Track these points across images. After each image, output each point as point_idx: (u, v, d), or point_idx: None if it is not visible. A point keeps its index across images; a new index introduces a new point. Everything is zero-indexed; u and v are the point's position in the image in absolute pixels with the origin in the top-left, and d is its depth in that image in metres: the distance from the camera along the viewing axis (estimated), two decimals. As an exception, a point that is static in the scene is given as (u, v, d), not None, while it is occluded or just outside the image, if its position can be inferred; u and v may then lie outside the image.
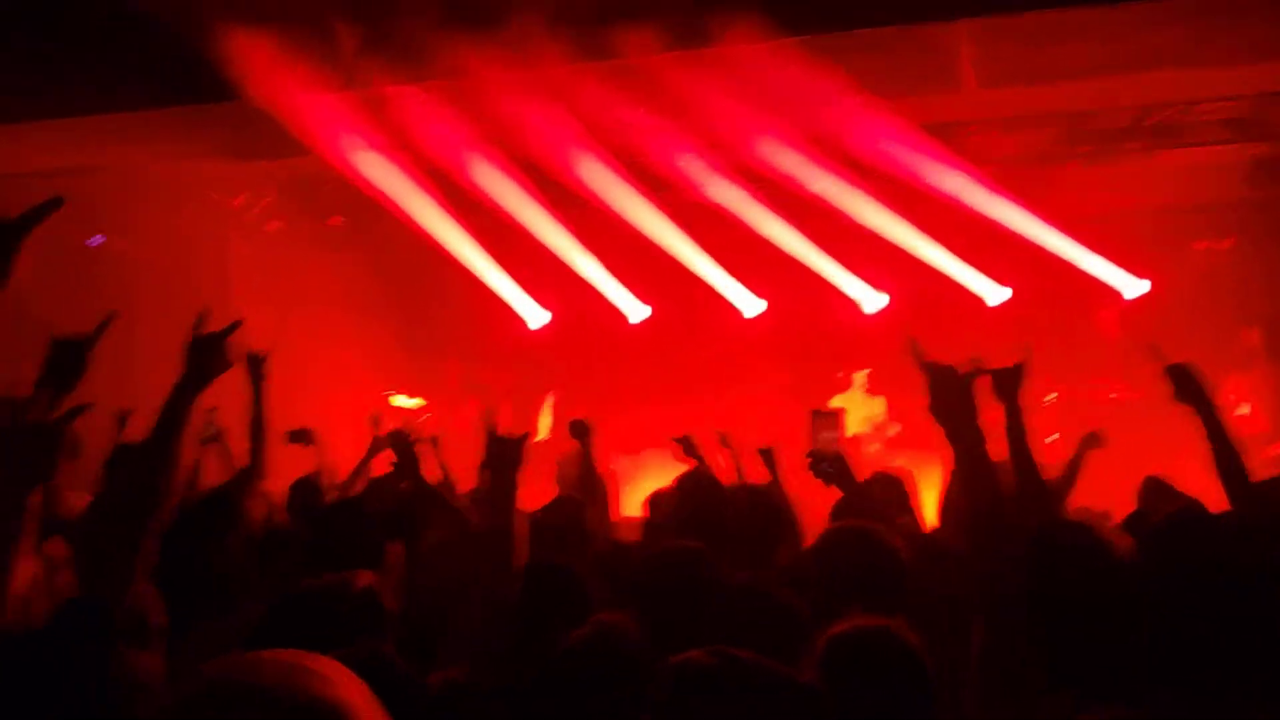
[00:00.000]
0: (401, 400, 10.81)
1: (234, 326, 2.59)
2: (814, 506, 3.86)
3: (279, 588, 3.00)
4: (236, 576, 3.29)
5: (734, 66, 6.50)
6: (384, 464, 4.73)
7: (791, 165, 8.86)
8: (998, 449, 2.97)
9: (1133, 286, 10.18)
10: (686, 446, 4.70)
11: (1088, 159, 8.93)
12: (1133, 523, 3.73)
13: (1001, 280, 10.46)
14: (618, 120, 7.64)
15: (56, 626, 2.04)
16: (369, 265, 11.25)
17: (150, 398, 2.51)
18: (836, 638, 2.05)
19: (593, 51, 6.43)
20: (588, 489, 4.19)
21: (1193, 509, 2.80)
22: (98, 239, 9.39)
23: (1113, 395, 10.05)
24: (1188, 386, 3.19)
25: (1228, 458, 3.07)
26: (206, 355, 2.47)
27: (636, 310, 11.33)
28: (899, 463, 9.59)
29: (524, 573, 2.98)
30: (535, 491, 5.03)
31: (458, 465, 4.42)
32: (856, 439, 10.67)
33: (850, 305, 10.94)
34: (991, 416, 3.34)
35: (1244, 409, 9.82)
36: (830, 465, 3.52)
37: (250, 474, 4.17)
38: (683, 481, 3.59)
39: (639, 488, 8.07)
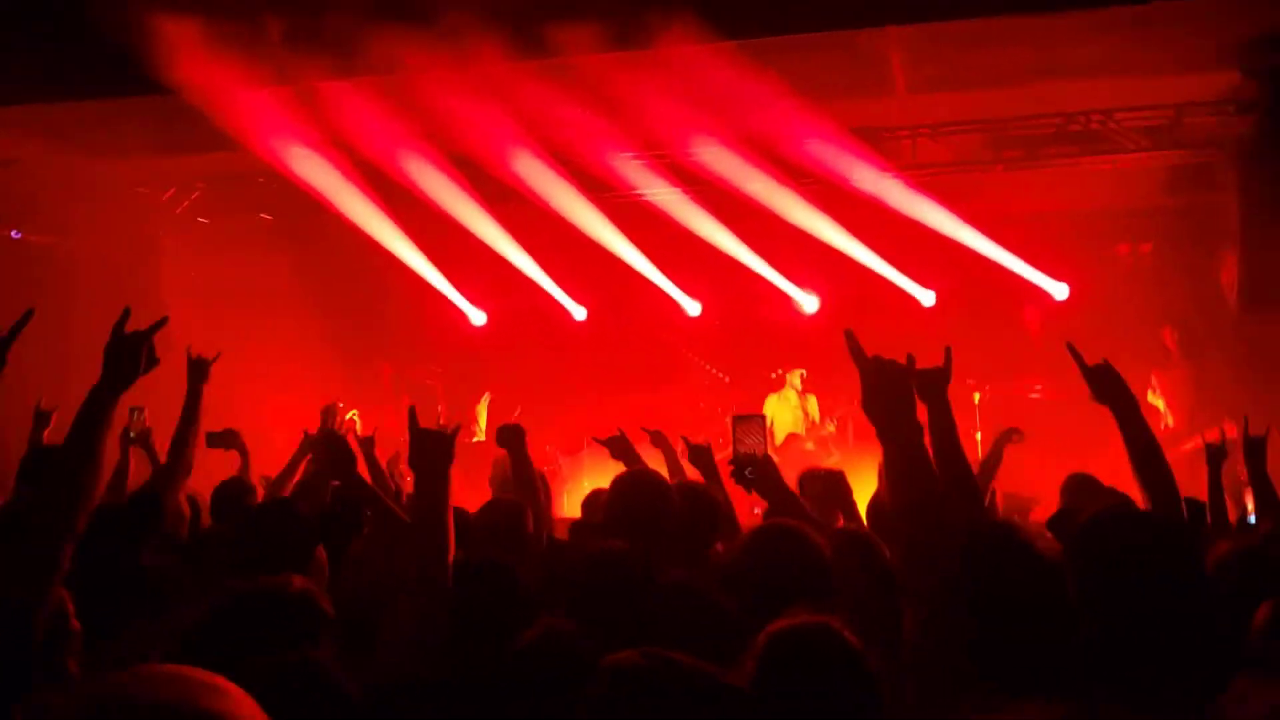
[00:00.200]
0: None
1: (159, 325, 2.53)
2: (755, 504, 3.87)
3: (206, 590, 2.96)
4: (163, 579, 3.24)
5: (669, 68, 6.54)
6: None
7: (726, 167, 8.94)
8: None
9: (1057, 288, 10.43)
10: (614, 446, 4.68)
11: (1013, 164, 9.13)
12: (1058, 521, 3.81)
13: (931, 283, 10.64)
14: (554, 119, 7.65)
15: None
16: (301, 261, 11.10)
17: (80, 395, 2.46)
18: (776, 634, 2.05)
19: (528, 50, 6.42)
20: (523, 492, 4.15)
21: (1119, 506, 2.84)
22: (14, 234, 9.15)
23: (1035, 392, 10.29)
24: (1105, 387, 3.23)
25: (1146, 456, 3.12)
26: (129, 355, 2.41)
27: (575, 310, 11.32)
28: (832, 460, 9.80)
29: (459, 571, 2.96)
30: (481, 492, 5.02)
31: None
32: (792, 437, 10.79)
33: (786, 306, 11.05)
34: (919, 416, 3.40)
35: (1158, 401, 10.13)
36: (753, 471, 3.51)
37: (172, 472, 4.10)
38: (617, 481, 3.58)
39: (581, 487, 8.09)
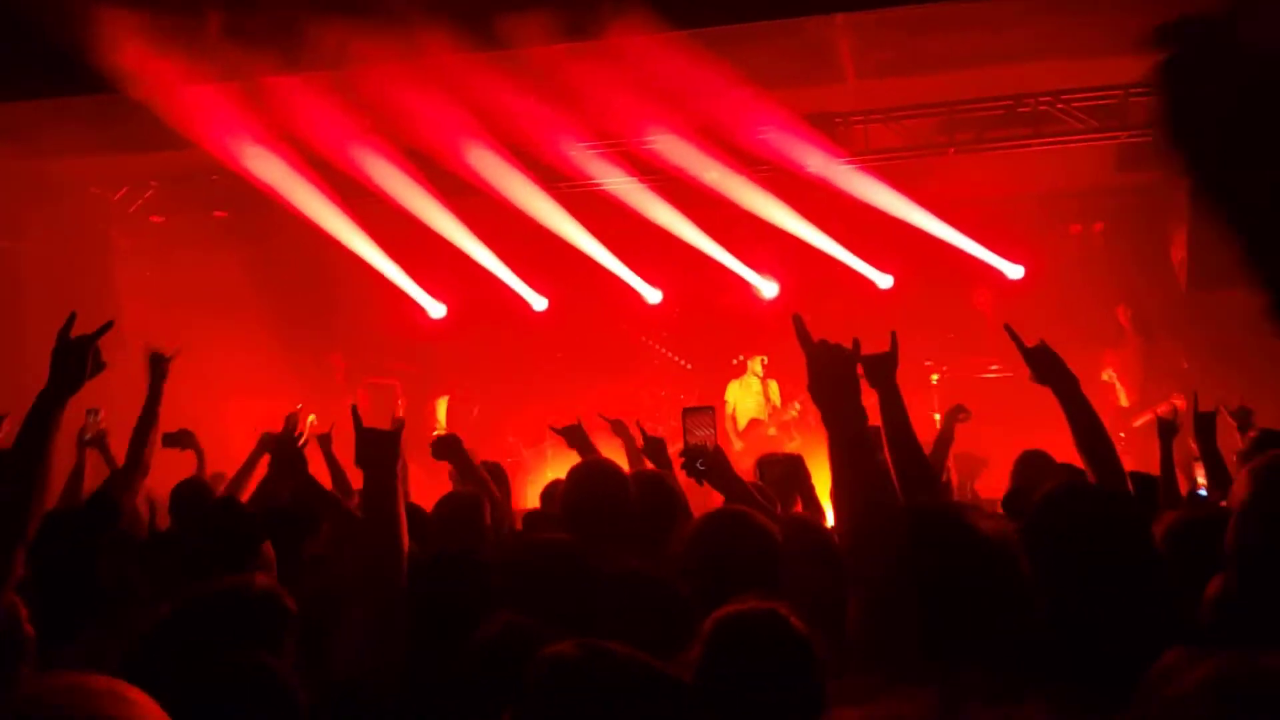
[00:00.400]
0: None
1: (104, 329, 2.52)
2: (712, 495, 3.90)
3: (161, 592, 2.96)
4: (120, 581, 3.22)
5: (621, 59, 6.55)
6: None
7: (682, 156, 8.97)
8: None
9: (1013, 269, 10.56)
10: (570, 436, 4.70)
11: (965, 147, 9.22)
12: (1011, 500, 3.85)
13: (888, 266, 10.74)
14: (508, 110, 7.63)
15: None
16: (256, 258, 11.00)
17: (33, 394, 2.45)
18: (722, 620, 2.07)
19: (478, 41, 6.39)
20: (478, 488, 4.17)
21: (1071, 481, 2.85)
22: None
23: (991, 371, 10.43)
24: (1044, 368, 3.26)
25: (1089, 434, 3.17)
26: (75, 360, 2.41)
27: (536, 300, 11.31)
28: (794, 445, 9.88)
29: (425, 563, 2.97)
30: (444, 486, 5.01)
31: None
32: (754, 423, 10.87)
33: (746, 292, 11.11)
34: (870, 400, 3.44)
35: (1113, 378, 10.30)
36: (704, 462, 3.53)
37: (131, 473, 4.09)
38: (574, 471, 3.60)
39: (544, 477, 8.11)
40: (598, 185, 9.67)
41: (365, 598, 2.80)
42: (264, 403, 9.06)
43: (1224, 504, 3.37)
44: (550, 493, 4.58)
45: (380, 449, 2.81)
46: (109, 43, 6.08)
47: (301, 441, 4.12)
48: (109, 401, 4.45)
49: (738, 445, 10.67)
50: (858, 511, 2.29)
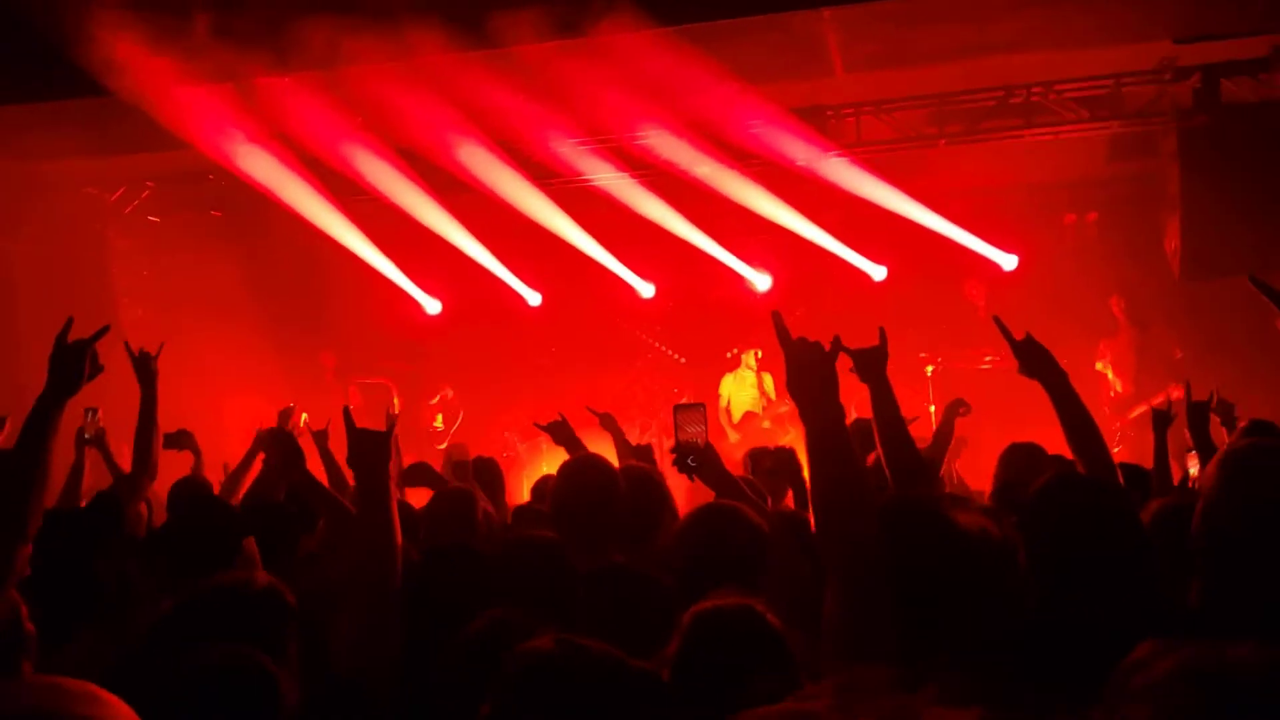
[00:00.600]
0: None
1: (101, 333, 2.57)
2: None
3: (161, 589, 3.01)
4: (120, 579, 3.27)
5: (610, 56, 6.58)
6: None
7: (672, 151, 9.00)
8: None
9: (1006, 259, 10.58)
10: (556, 431, 4.76)
11: (956, 138, 9.24)
12: (1004, 493, 3.88)
13: (881, 258, 10.75)
14: (498, 108, 7.66)
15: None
16: (253, 257, 11.02)
17: (33, 398, 2.50)
18: (698, 615, 2.10)
19: (470, 40, 6.43)
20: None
21: (1064, 474, 2.87)
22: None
23: (986, 362, 10.47)
24: (1032, 361, 3.30)
25: (1077, 426, 3.21)
26: (73, 363, 2.46)
27: (530, 295, 11.35)
28: (789, 438, 9.92)
29: (417, 561, 3.01)
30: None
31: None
32: (749, 416, 10.92)
33: (739, 285, 11.13)
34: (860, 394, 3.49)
35: (1107, 369, 10.35)
36: (695, 459, 3.58)
37: (139, 475, 4.13)
38: (564, 467, 3.64)
39: (539, 472, 8.15)
40: (589, 181, 9.70)
41: (360, 595, 2.84)
42: (257, 401, 9.13)
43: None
44: (541, 488, 4.63)
45: (372, 450, 2.84)
46: (102, 45, 6.11)
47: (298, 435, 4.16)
48: (106, 400, 4.49)
49: (733, 437, 10.72)
50: (833, 506, 2.32)
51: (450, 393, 11.70)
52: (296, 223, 9.57)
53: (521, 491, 8.48)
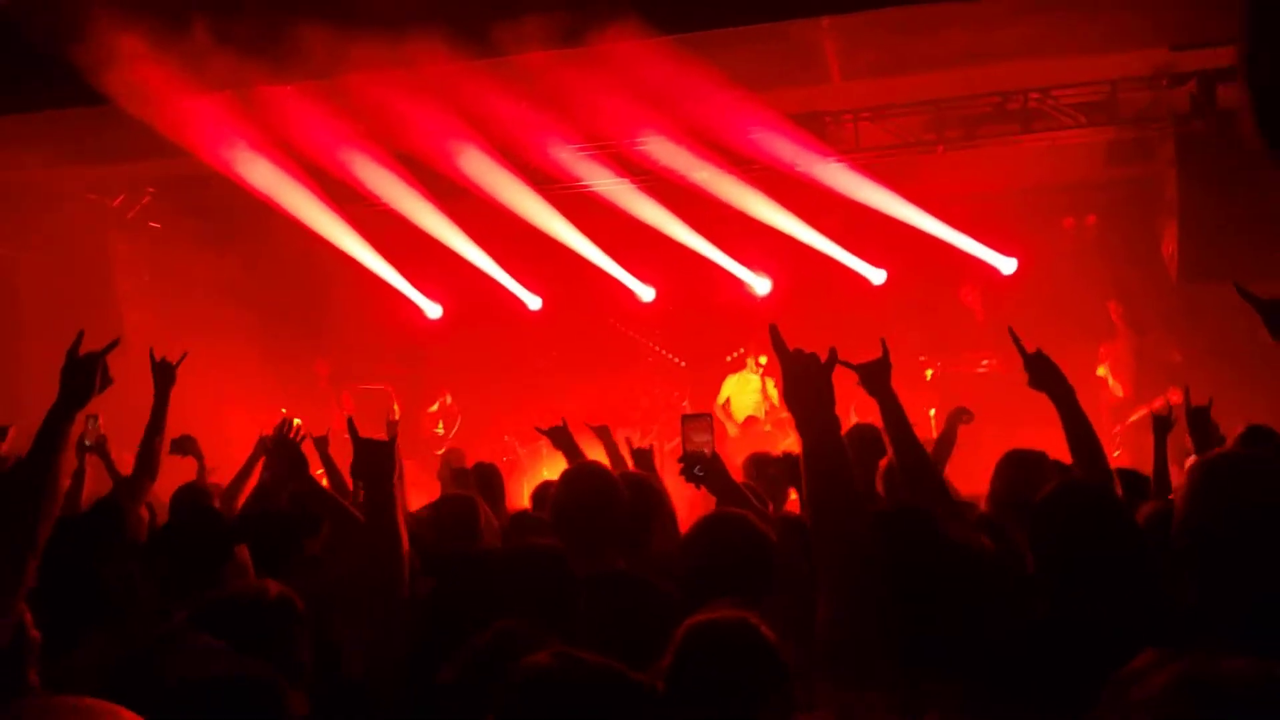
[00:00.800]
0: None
1: (111, 346, 2.61)
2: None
3: (163, 596, 3.03)
4: (125, 585, 3.29)
5: (609, 63, 6.62)
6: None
7: (672, 157, 9.04)
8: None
9: (1005, 263, 10.61)
10: (556, 436, 4.79)
11: (954, 144, 9.28)
12: (1004, 503, 3.90)
13: (880, 261, 10.78)
14: (498, 115, 7.69)
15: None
16: (253, 263, 11.06)
17: (36, 404, 2.52)
18: (692, 628, 2.11)
19: (473, 49, 6.47)
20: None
21: (1066, 483, 2.93)
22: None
23: (983, 365, 10.50)
24: (1041, 375, 3.38)
25: (1080, 439, 3.30)
26: (84, 376, 2.49)
27: (530, 300, 11.37)
28: (789, 442, 9.92)
29: (432, 565, 3.03)
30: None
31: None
32: (750, 420, 10.94)
33: (739, 289, 11.15)
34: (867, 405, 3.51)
35: (1107, 373, 10.38)
36: (702, 468, 3.61)
37: (140, 477, 4.15)
38: (565, 475, 3.67)
39: (540, 477, 8.18)
40: (589, 186, 9.73)
41: (367, 602, 2.86)
42: (257, 406, 9.16)
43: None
44: (541, 494, 4.65)
45: (378, 459, 2.87)
46: (103, 54, 6.14)
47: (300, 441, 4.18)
48: (107, 407, 4.52)
49: (732, 430, 10.76)
50: (827, 517, 2.34)
51: (449, 399, 11.73)
52: (297, 228, 9.60)
53: (522, 496, 8.49)
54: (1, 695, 2.16)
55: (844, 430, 4.85)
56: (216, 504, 4.92)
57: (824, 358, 2.50)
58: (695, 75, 6.88)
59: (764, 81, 7.69)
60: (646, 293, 11.31)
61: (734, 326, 11.22)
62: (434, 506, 4.07)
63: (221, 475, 5.53)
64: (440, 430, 11.45)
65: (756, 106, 8.10)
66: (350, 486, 5.02)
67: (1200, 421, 4.61)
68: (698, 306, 11.49)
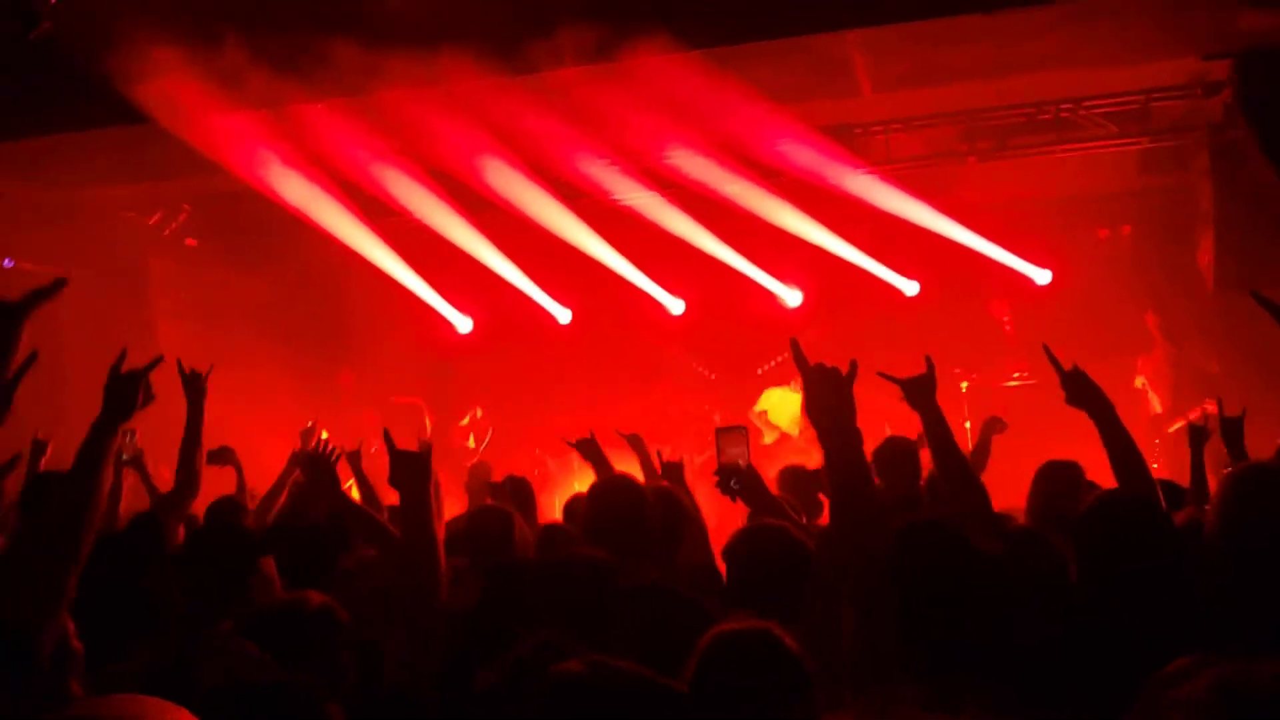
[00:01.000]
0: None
1: (155, 363, 2.66)
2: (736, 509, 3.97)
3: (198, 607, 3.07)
4: (167, 597, 3.34)
5: (638, 78, 6.65)
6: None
7: (702, 170, 9.05)
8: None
9: (1040, 274, 10.53)
10: (584, 449, 4.80)
11: (987, 155, 9.24)
12: (1045, 514, 3.88)
13: (913, 273, 10.74)
14: (529, 131, 7.74)
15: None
16: (288, 279, 11.19)
17: (76, 418, 2.57)
18: (716, 637, 2.13)
19: (506, 66, 6.52)
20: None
21: (1111, 494, 2.96)
22: (7, 262, 9.26)
23: (1015, 378, 10.42)
24: (1078, 392, 3.35)
25: (1122, 455, 3.26)
26: (127, 392, 2.54)
27: (560, 313, 11.41)
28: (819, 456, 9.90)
29: (485, 576, 3.04)
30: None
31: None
32: (784, 437, 10.92)
33: (770, 301, 11.13)
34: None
35: (1145, 385, 10.28)
36: (738, 481, 3.61)
37: (183, 491, 4.21)
38: (595, 488, 3.69)
39: (571, 489, 8.21)
40: (619, 200, 9.77)
41: (405, 614, 2.89)
42: (290, 422, 9.26)
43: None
44: (572, 508, 4.67)
45: (413, 470, 2.90)
46: (141, 74, 6.25)
47: (335, 458, 4.22)
48: (143, 421, 4.58)
49: (768, 438, 10.74)
50: (849, 528, 2.36)
51: (479, 412, 11.79)
52: (331, 244, 9.70)
53: (554, 509, 8.52)
54: (44, 705, 2.20)
55: (879, 443, 4.92)
56: (251, 517, 4.98)
57: (845, 371, 2.51)
58: (724, 89, 6.90)
59: (793, 94, 7.69)
60: (676, 306, 11.33)
61: (764, 339, 11.20)
62: (469, 518, 4.10)
63: (256, 489, 5.59)
64: (471, 444, 11.50)
65: (786, 119, 8.11)
66: (382, 501, 5.08)
67: (1234, 432, 4.57)
68: (728, 319, 11.47)
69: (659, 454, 4.94)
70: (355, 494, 5.02)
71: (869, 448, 2.90)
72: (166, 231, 10.69)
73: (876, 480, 5.03)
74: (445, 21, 6.16)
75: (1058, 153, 9.14)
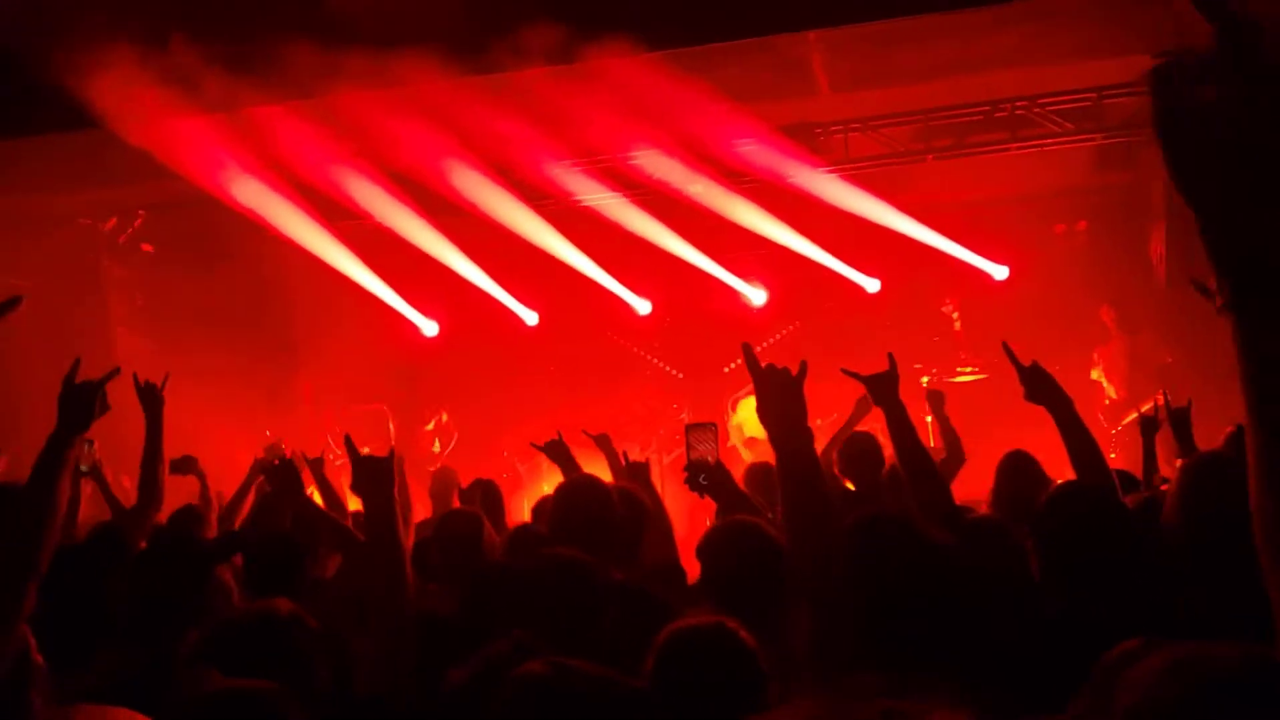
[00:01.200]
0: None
1: (111, 375, 2.63)
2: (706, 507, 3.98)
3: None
4: (122, 607, 3.30)
5: (600, 79, 6.66)
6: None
7: (665, 170, 9.08)
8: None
9: (997, 270, 10.66)
10: (552, 451, 4.80)
11: (944, 153, 9.33)
12: (1009, 504, 3.95)
13: (874, 270, 10.82)
14: (490, 132, 7.72)
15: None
16: (246, 284, 11.07)
17: (33, 428, 2.53)
18: (672, 634, 2.16)
19: (466, 67, 6.50)
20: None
21: (1070, 485, 3.06)
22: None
23: (966, 372, 10.54)
24: (1039, 388, 3.41)
25: (1081, 448, 3.33)
26: (83, 403, 2.51)
27: (527, 315, 11.39)
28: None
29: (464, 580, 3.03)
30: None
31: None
32: (750, 441, 10.95)
33: (735, 300, 11.18)
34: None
35: (1101, 377, 10.44)
36: (707, 477, 3.63)
37: (145, 506, 4.16)
38: (561, 488, 3.69)
39: (540, 492, 8.19)
40: (583, 201, 9.77)
41: (374, 618, 2.88)
42: (252, 429, 9.17)
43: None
44: (541, 509, 4.67)
45: (376, 476, 2.89)
46: (93, 79, 6.17)
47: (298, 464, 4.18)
48: (101, 431, 4.52)
49: (747, 457, 10.76)
50: (800, 526, 2.39)
51: (445, 416, 11.73)
52: (291, 249, 9.62)
53: (523, 512, 8.50)
54: (3, 717, 2.17)
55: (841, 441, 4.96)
56: (213, 526, 4.93)
57: (795, 372, 2.55)
58: (686, 89, 6.93)
59: (754, 94, 7.74)
60: (643, 306, 11.35)
61: (731, 338, 11.20)
62: (437, 522, 4.08)
63: (224, 491, 5.53)
64: (436, 448, 11.45)
65: (747, 119, 8.16)
66: (347, 506, 5.04)
67: (1181, 421, 4.67)
68: (694, 318, 11.52)
69: (625, 454, 4.94)
70: (318, 499, 4.98)
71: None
72: (122, 238, 10.56)
73: (843, 478, 5.10)
74: (404, 21, 6.12)
75: (1014, 150, 9.24)
